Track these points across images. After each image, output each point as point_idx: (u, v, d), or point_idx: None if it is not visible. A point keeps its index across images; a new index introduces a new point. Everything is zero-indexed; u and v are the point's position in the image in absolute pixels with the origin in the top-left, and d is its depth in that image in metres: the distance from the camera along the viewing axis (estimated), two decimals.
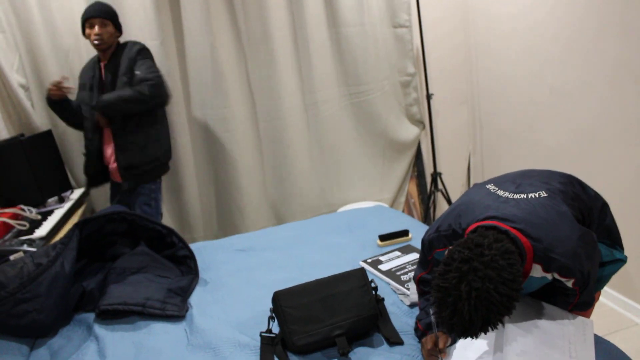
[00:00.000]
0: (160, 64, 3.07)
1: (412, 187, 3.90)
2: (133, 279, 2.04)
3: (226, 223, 3.48)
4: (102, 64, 2.81)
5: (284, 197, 3.55)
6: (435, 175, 3.81)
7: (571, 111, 2.82)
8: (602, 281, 1.64)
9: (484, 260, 1.22)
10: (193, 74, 3.20)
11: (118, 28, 2.79)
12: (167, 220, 3.35)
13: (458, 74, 3.85)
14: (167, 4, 3.12)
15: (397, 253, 2.22)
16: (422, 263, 1.68)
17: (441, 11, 3.69)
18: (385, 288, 1.94)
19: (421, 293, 1.72)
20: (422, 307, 1.67)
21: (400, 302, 1.82)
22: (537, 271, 1.40)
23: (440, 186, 3.82)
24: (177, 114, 3.23)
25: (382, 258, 2.18)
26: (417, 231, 2.44)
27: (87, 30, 2.71)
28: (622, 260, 1.69)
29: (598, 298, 1.64)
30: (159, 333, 1.80)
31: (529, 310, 1.53)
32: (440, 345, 1.51)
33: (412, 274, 1.99)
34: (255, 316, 1.82)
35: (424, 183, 3.92)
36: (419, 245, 2.26)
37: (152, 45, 3.04)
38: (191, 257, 2.21)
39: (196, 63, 3.19)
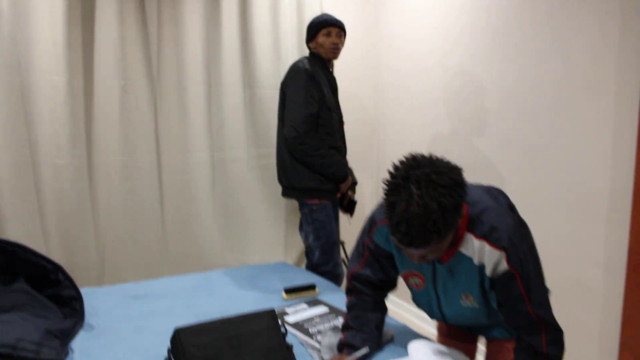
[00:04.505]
0: (65, 102, 2.91)
1: None
2: (4, 317, 1.77)
3: (120, 276, 3.18)
4: (330, 71, 2.96)
5: (183, 253, 3.34)
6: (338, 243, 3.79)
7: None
8: None
9: (430, 163, 1.31)
10: (98, 116, 3.04)
11: None
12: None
13: (365, 145, 3.99)
14: (80, 40, 2.98)
15: (304, 306, 2.12)
16: (356, 255, 1.70)
17: (352, 80, 3.86)
18: (292, 339, 1.82)
19: (350, 290, 1.71)
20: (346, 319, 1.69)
21: (309, 356, 1.70)
22: (467, 244, 1.40)
23: (342, 255, 3.81)
24: (76, 156, 3.00)
25: (288, 310, 2.07)
26: (322, 287, 2.37)
27: (322, 38, 2.82)
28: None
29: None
30: None
31: None
32: None
33: (321, 327, 1.90)
34: None
35: None
36: (326, 300, 2.20)
37: (58, 82, 2.88)
38: (77, 298, 1.97)
39: (104, 106, 3.04)
